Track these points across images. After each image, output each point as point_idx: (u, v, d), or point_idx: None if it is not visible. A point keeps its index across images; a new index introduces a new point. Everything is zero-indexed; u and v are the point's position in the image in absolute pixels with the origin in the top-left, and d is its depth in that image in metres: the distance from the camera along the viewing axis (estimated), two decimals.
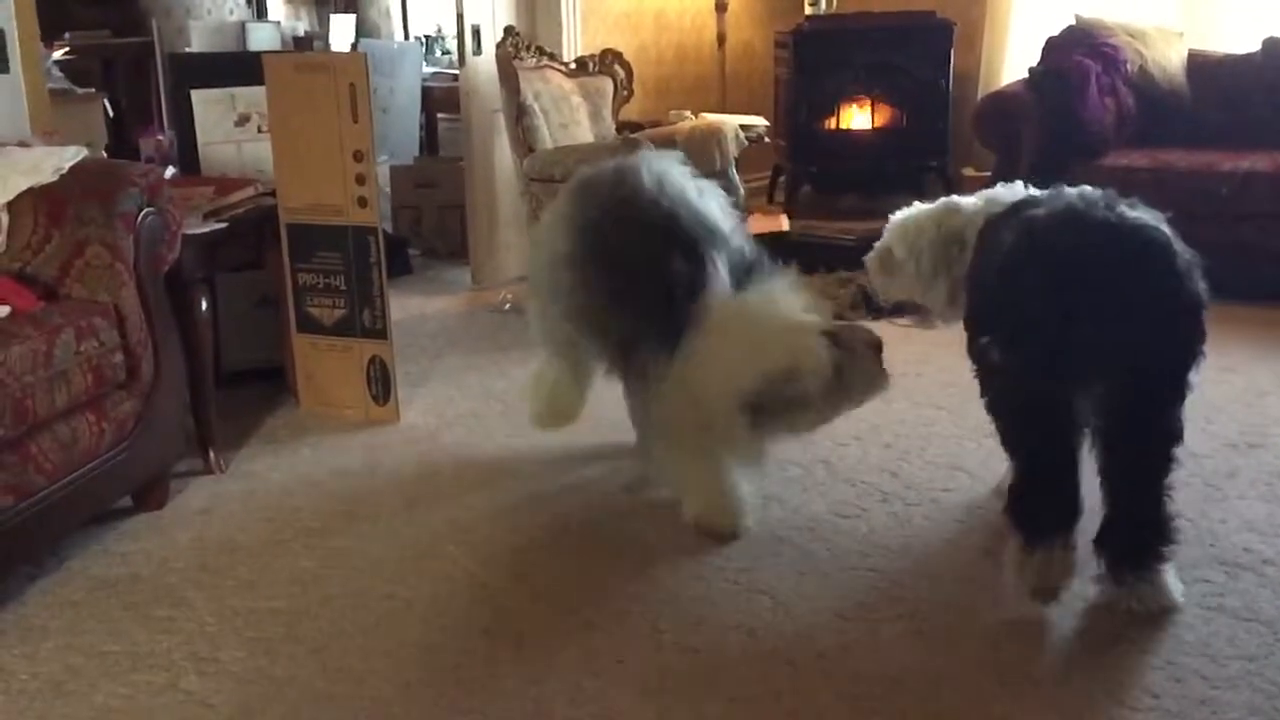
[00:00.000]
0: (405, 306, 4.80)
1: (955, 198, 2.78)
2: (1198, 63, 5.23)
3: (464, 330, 4.59)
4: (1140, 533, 2.31)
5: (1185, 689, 2.10)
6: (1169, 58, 5.24)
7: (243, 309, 3.92)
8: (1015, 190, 2.60)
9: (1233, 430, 3.28)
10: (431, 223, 5.85)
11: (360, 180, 3.45)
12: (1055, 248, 2.21)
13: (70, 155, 2.94)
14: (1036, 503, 2.29)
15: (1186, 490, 2.89)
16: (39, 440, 2.51)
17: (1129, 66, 5.13)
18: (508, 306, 4.82)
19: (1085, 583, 2.47)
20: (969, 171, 5.73)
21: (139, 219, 2.82)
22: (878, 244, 2.89)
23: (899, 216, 2.85)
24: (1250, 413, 3.42)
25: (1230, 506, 2.82)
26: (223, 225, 3.27)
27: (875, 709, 2.07)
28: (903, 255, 2.76)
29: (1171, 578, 2.36)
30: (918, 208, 2.82)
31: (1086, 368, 2.18)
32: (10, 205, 2.82)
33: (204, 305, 3.20)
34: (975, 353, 2.40)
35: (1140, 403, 2.23)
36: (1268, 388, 3.62)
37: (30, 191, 2.82)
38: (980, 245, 2.55)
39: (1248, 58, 5.13)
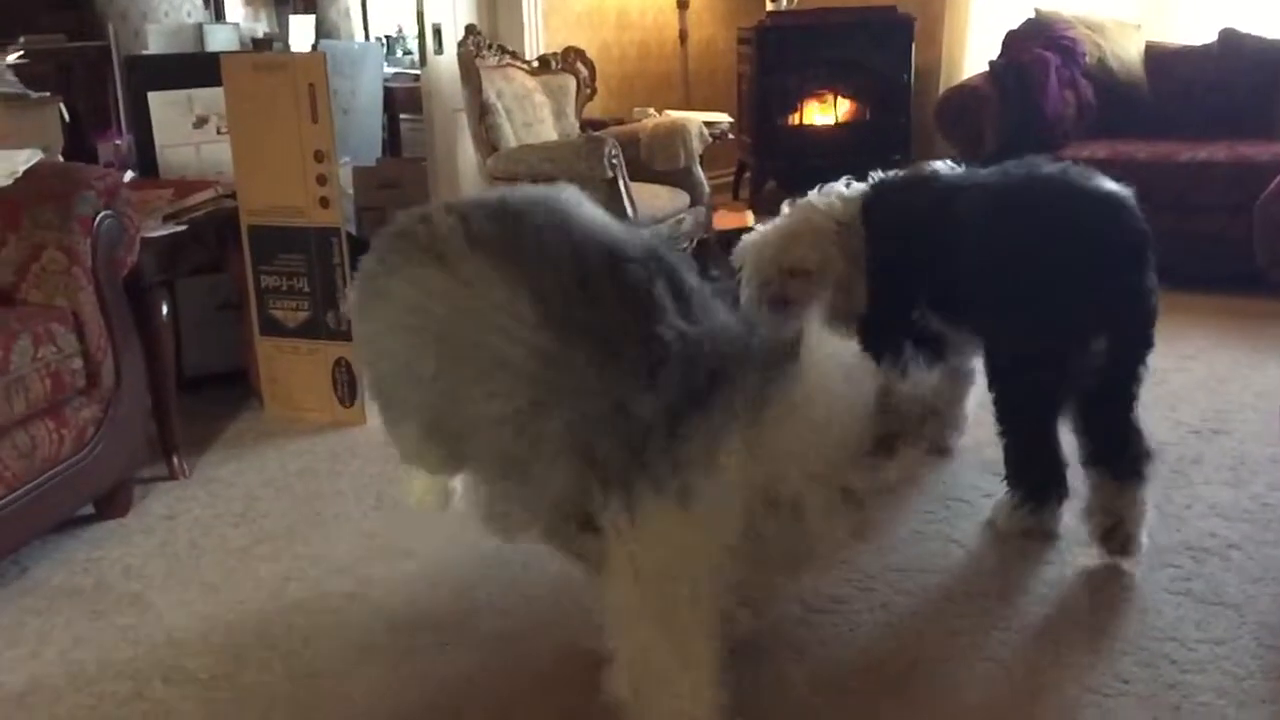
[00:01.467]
0: None
1: (808, 199, 2.92)
2: (1155, 54, 5.28)
3: None
4: (1132, 453, 2.50)
5: (1155, 673, 2.12)
6: (1127, 50, 5.29)
7: (204, 313, 3.87)
8: (849, 186, 2.86)
9: (1195, 417, 3.31)
10: None
11: (322, 181, 3.42)
12: (1073, 213, 2.40)
13: (24, 159, 2.89)
14: (1041, 459, 2.55)
15: (1152, 478, 2.92)
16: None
17: (1088, 59, 5.18)
18: None
19: (1056, 569, 2.50)
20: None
21: (96, 222, 2.77)
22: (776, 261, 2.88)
23: (769, 238, 2.91)
24: (1212, 399, 3.46)
25: (1195, 492, 2.85)
26: (182, 228, 3.24)
27: (850, 697, 2.07)
28: (815, 259, 2.79)
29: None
30: (769, 229, 2.94)
31: (1103, 319, 2.40)
32: None
33: (164, 309, 3.16)
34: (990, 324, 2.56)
35: (1135, 348, 2.45)
36: (1227, 374, 3.66)
37: None
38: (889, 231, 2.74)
39: (1204, 49, 5.19)
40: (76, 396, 2.73)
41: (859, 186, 2.85)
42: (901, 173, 2.89)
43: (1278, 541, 2.58)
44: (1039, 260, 2.39)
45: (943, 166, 2.79)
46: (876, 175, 2.86)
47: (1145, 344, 2.46)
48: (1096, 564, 2.50)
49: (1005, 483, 2.65)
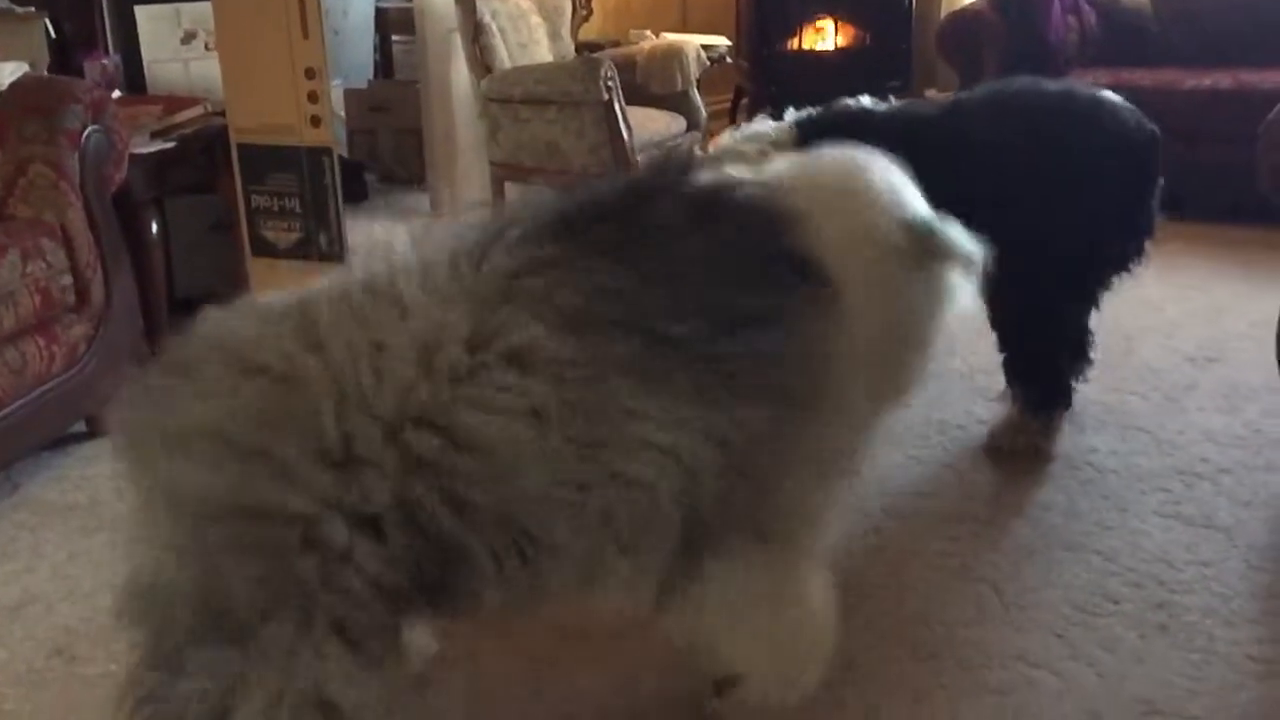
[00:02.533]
0: (364, 231, 4.71)
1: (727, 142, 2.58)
2: None
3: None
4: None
5: (1143, 594, 2.13)
6: None
7: (195, 234, 3.83)
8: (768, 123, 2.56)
9: (1191, 345, 3.31)
10: (388, 147, 5.73)
11: (313, 98, 3.36)
12: (1108, 129, 2.45)
13: (9, 71, 2.84)
14: (1051, 373, 2.62)
15: (1146, 404, 2.93)
16: None
17: None
18: None
19: (1049, 492, 2.51)
20: (931, 92, 5.69)
21: (84, 137, 2.73)
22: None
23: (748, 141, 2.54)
24: (1209, 328, 3.45)
25: (1189, 419, 2.85)
26: (171, 145, 3.19)
27: (845, 615, 2.08)
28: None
29: None
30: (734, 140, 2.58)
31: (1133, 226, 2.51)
32: None
33: (154, 228, 3.13)
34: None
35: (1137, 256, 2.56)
36: (1226, 304, 3.65)
37: None
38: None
39: None
40: (67, 314, 2.71)
41: (779, 125, 2.56)
42: (822, 109, 2.61)
43: (1269, 467, 2.59)
44: (1084, 169, 2.41)
45: (867, 101, 2.60)
46: (793, 114, 2.59)
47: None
48: (1090, 485, 2.52)
49: (1010, 403, 2.66)
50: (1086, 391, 2.96)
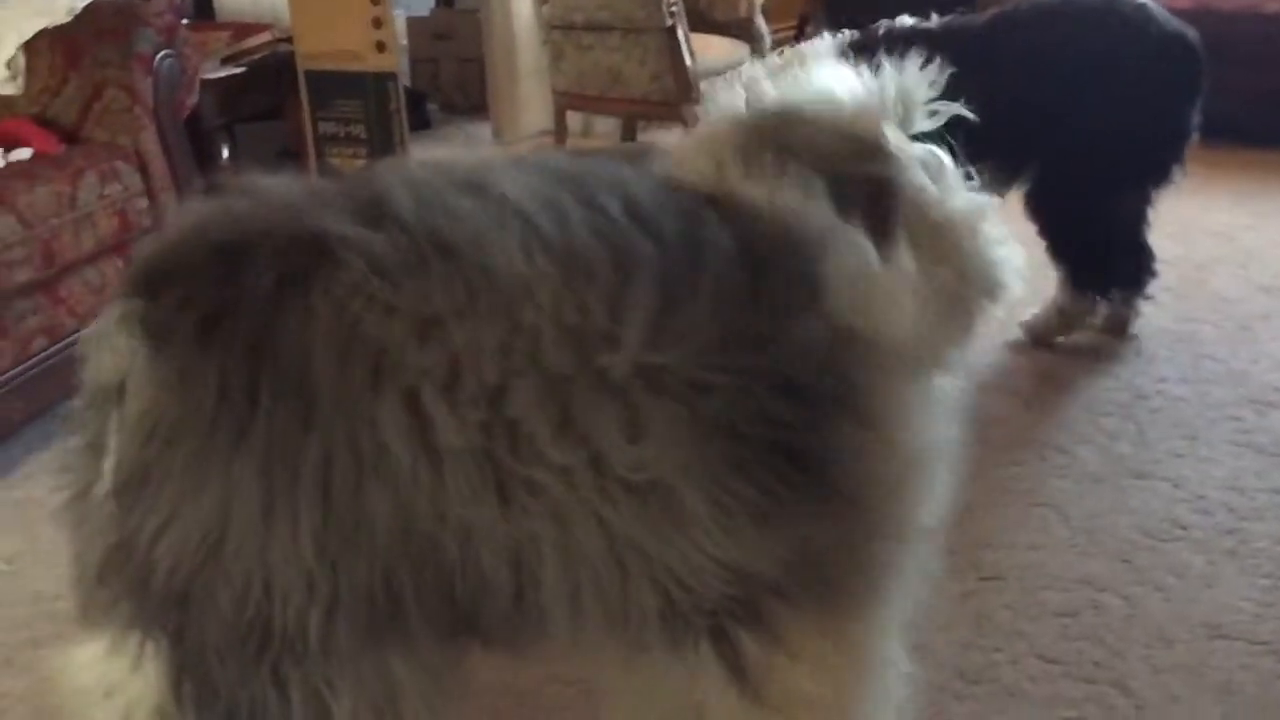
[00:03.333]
0: None
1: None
2: None
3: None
4: None
5: (1212, 520, 2.12)
6: None
7: (263, 160, 3.88)
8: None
9: (1266, 275, 3.24)
10: (450, 76, 5.72)
11: (377, 24, 3.37)
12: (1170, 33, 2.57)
13: None
14: (1116, 259, 2.73)
15: (1218, 333, 2.88)
16: (68, 283, 2.52)
17: None
18: None
19: (1118, 421, 2.49)
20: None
21: (156, 61, 2.77)
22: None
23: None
24: None
25: (1261, 348, 2.80)
26: (240, 71, 3.22)
27: None
28: None
29: None
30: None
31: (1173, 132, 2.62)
32: (27, 47, 2.77)
33: (225, 153, 3.17)
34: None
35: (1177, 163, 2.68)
36: None
37: (45, 33, 2.77)
38: None
39: None
40: (143, 235, 2.76)
41: (820, 43, 2.45)
42: (865, 28, 2.73)
43: None
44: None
45: (910, 20, 2.74)
46: (836, 35, 2.55)
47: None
48: (1160, 414, 2.49)
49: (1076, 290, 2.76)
50: (1157, 320, 2.93)
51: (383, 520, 1.04)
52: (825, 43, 2.47)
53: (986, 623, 1.87)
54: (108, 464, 1.07)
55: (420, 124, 5.26)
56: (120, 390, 1.07)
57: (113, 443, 1.07)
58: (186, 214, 1.19)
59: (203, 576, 1.04)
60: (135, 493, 1.05)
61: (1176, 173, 2.67)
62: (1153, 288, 3.08)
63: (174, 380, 1.03)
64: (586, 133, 5.03)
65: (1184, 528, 2.10)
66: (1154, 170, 2.66)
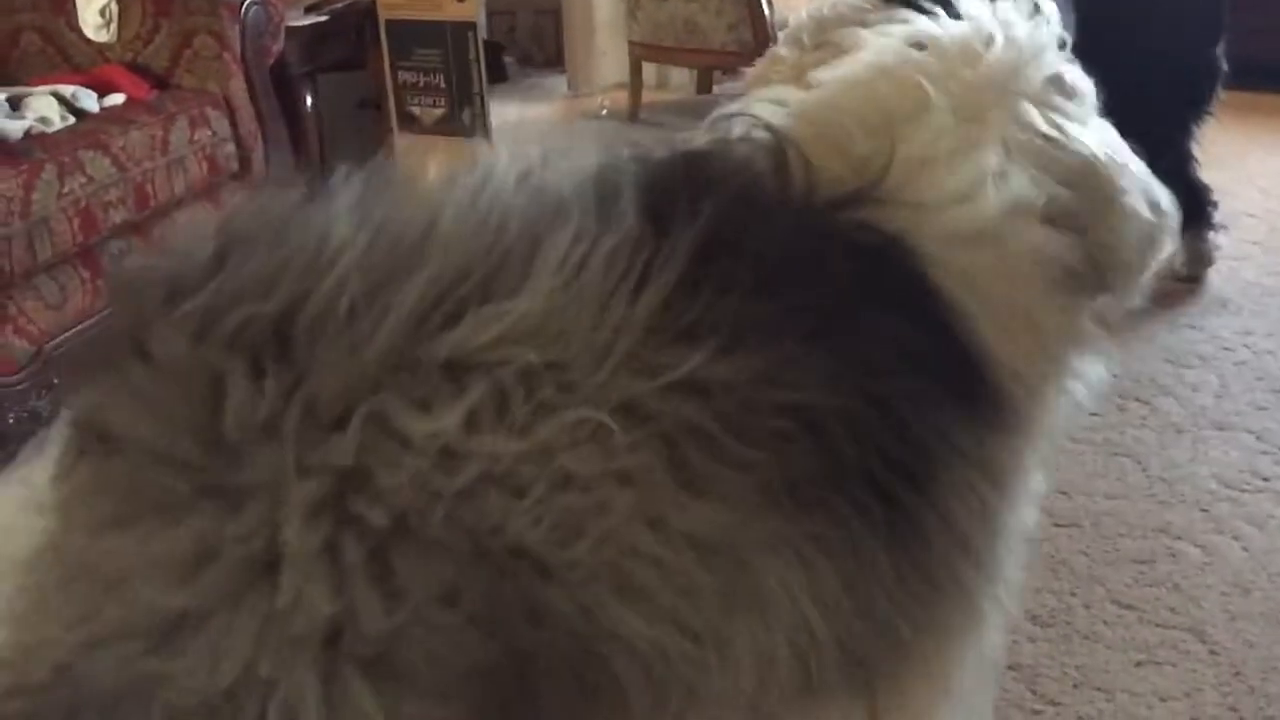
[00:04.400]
0: (502, 114, 4.76)
1: None
2: None
3: (562, 137, 4.56)
4: None
5: None
6: None
7: (344, 110, 3.93)
8: None
9: None
10: (526, 28, 5.75)
11: None
12: None
13: None
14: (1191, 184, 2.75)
15: None
16: (162, 226, 2.59)
17: None
18: (604, 113, 4.77)
19: (1201, 373, 2.45)
20: None
21: (243, 8, 2.82)
22: None
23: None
24: None
25: None
26: (324, 19, 3.27)
27: None
28: None
29: None
30: None
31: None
32: None
33: (309, 100, 3.22)
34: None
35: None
36: None
37: None
38: None
39: None
40: (230, 181, 2.83)
41: None
42: None
43: None
44: None
45: None
46: None
47: None
48: (1244, 367, 2.45)
49: None
50: (1245, 274, 2.87)
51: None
52: None
53: (1062, 568, 1.87)
54: None
55: (497, 76, 5.28)
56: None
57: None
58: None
59: None
60: None
61: (1209, 108, 2.77)
62: (1240, 242, 3.03)
63: None
64: (662, 85, 5.02)
65: (1265, 479, 2.08)
66: (1186, 106, 2.74)
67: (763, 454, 0.88)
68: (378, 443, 0.81)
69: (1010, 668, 1.64)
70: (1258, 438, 2.20)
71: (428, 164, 3.61)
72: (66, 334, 2.34)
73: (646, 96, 4.68)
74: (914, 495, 0.95)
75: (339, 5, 3.38)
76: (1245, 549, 1.89)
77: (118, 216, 2.44)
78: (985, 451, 1.00)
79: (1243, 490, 2.05)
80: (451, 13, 3.43)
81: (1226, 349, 2.54)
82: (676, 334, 0.87)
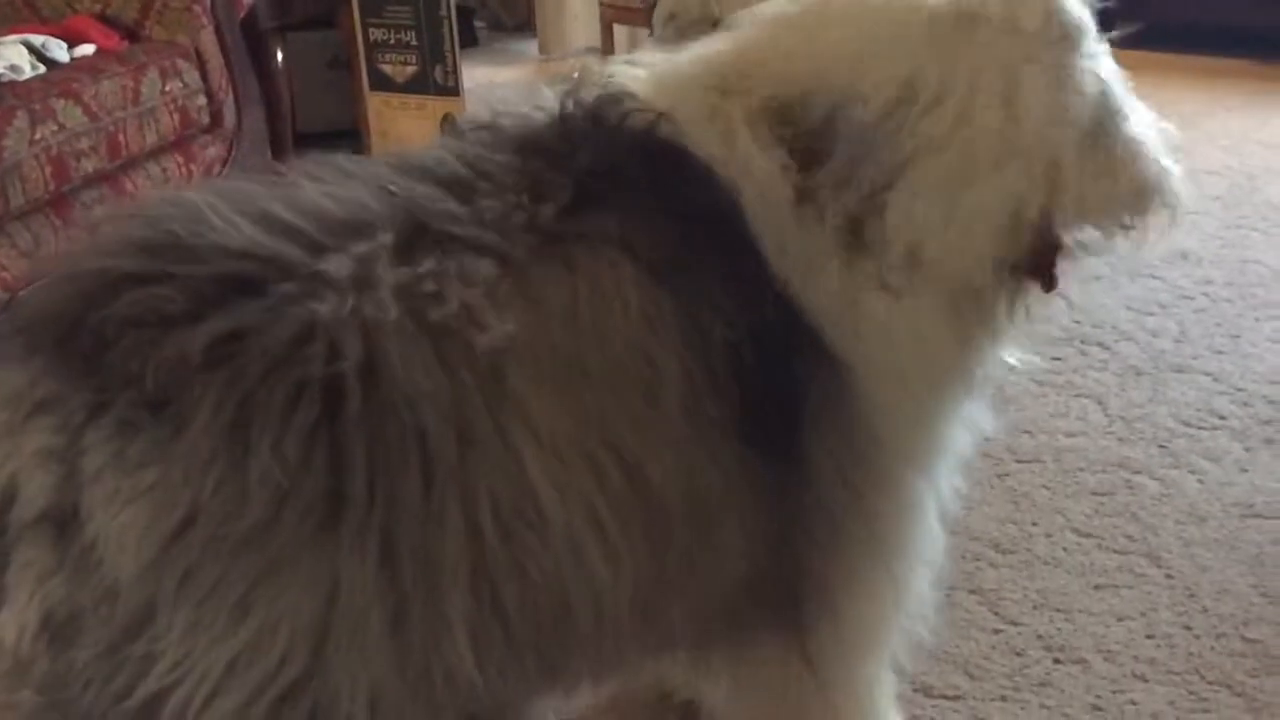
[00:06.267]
0: (473, 77, 4.74)
1: None
2: None
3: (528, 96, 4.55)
4: None
5: (1251, 411, 2.15)
6: None
7: (315, 69, 3.91)
8: None
9: None
10: None
11: None
12: None
13: None
14: None
15: (1266, 239, 2.89)
16: (133, 176, 2.59)
17: None
18: (576, 76, 4.77)
19: (1161, 319, 2.50)
20: None
21: None
22: None
23: None
24: None
25: None
26: None
27: None
28: None
29: None
30: None
31: None
32: None
33: (279, 56, 3.22)
34: None
35: None
36: None
37: None
38: None
39: None
40: (202, 134, 2.83)
41: None
42: None
43: None
44: None
45: None
46: None
47: None
48: (1204, 313, 2.51)
49: None
50: (1205, 227, 2.93)
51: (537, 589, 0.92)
52: None
53: (1024, 500, 1.92)
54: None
55: (467, 41, 5.27)
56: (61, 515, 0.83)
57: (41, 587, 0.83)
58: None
59: None
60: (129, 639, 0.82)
61: None
62: (1202, 198, 3.09)
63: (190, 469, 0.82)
64: (634, 47, 5.03)
65: (1222, 417, 2.13)
66: None
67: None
68: None
69: (972, 591, 1.69)
70: (1214, 379, 2.26)
71: (400, 123, 3.62)
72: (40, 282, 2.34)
73: (618, 59, 4.68)
74: (805, 428, 1.03)
75: None
76: (1201, 481, 1.95)
77: (89, 166, 2.44)
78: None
79: (1200, 428, 2.10)
80: None
81: (1186, 297, 2.60)
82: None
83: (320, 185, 0.99)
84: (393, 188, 0.98)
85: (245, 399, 0.82)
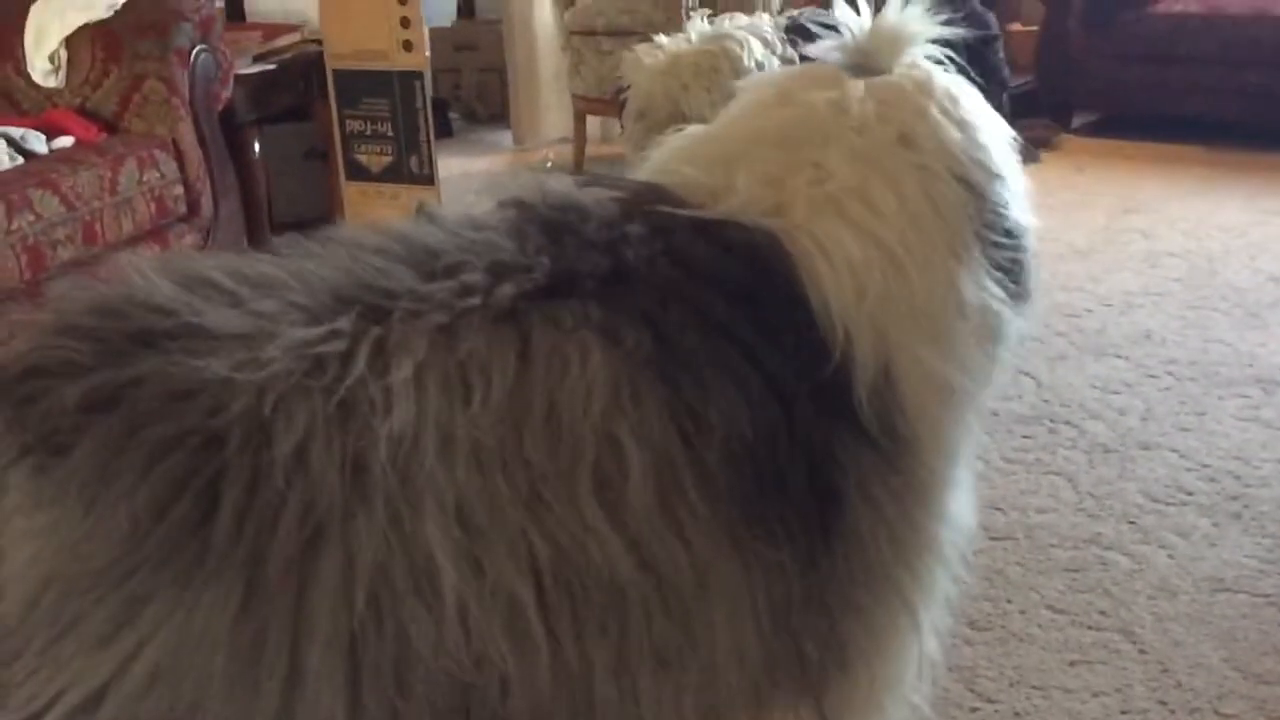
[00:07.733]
0: (449, 166, 4.82)
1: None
2: None
3: (509, 187, 4.62)
4: None
5: (1218, 487, 2.17)
6: None
7: (291, 160, 3.96)
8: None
9: (1273, 265, 3.29)
10: (470, 86, 5.84)
11: (405, 23, 3.46)
12: None
13: None
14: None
15: (1228, 319, 2.94)
16: (107, 265, 2.61)
17: None
18: (550, 165, 4.85)
19: (1127, 398, 2.54)
20: (1016, 27, 5.63)
21: (193, 55, 2.87)
22: None
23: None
24: None
25: (1271, 332, 2.85)
26: (271, 68, 3.33)
27: None
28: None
29: None
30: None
31: None
32: (68, 41, 2.87)
33: (256, 147, 3.27)
34: None
35: None
36: None
37: (86, 27, 2.88)
38: None
39: None
40: (178, 223, 2.86)
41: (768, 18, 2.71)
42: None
43: None
44: None
45: None
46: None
47: None
48: (1169, 392, 2.55)
49: None
50: (1168, 308, 2.99)
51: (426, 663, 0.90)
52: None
53: (997, 577, 1.93)
54: None
55: (442, 132, 5.36)
56: None
57: None
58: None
59: None
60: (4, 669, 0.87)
61: None
62: (1164, 280, 3.17)
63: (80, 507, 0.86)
64: (606, 138, 5.13)
65: (1190, 493, 2.16)
66: None
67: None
68: None
69: (950, 669, 1.68)
70: (1181, 455, 2.29)
71: (375, 212, 3.67)
72: None
73: (591, 150, 4.77)
74: (835, 513, 1.05)
75: (286, 56, 3.44)
76: (1171, 556, 1.97)
77: (65, 254, 2.46)
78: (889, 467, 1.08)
79: (1168, 504, 2.13)
80: (399, 62, 3.50)
81: (1151, 376, 2.64)
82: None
83: (275, 257, 1.02)
84: (351, 261, 1.00)
85: (117, 446, 0.86)
